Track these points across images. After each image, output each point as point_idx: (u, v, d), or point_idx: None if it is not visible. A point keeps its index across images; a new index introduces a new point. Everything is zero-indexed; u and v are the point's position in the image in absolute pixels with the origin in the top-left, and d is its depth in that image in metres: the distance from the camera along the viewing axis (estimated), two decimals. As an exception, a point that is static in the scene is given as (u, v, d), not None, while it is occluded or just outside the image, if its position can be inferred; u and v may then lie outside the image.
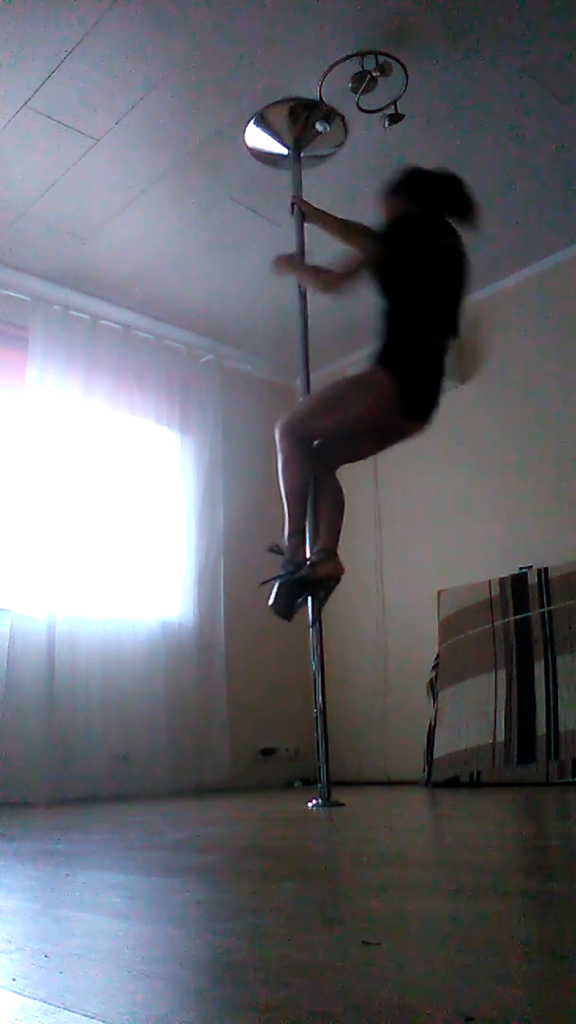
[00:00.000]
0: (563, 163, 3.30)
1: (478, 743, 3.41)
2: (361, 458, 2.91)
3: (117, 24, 2.56)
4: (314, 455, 2.78)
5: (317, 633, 2.84)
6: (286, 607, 2.65)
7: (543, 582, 3.52)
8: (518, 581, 3.62)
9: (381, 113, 2.89)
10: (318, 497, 2.80)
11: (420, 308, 2.55)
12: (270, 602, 2.66)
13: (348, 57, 2.73)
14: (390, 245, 2.57)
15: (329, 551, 2.72)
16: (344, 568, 2.73)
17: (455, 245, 2.61)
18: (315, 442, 2.78)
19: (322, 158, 3.16)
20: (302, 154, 3.10)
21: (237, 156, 3.15)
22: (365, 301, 4.32)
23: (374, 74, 2.76)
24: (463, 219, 2.64)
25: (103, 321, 4.08)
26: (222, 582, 4.16)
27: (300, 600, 2.68)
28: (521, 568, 3.69)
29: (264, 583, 2.71)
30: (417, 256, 2.55)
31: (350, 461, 2.90)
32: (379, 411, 2.59)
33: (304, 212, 3.00)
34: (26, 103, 2.87)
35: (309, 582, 2.67)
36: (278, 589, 2.65)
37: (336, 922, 0.96)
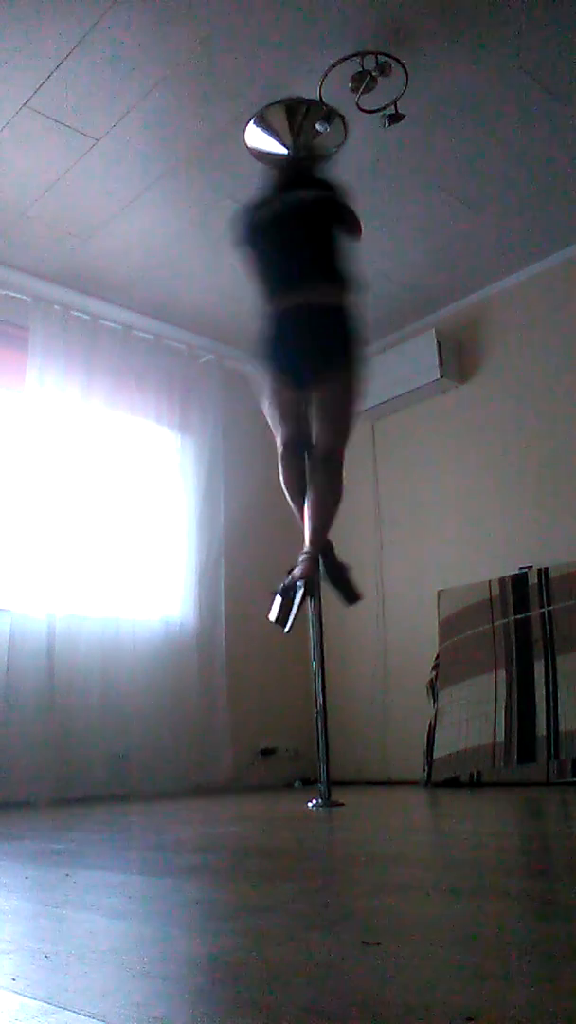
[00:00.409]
0: (563, 163, 3.30)
1: (478, 743, 3.41)
2: (318, 435, 2.83)
3: (117, 24, 2.56)
4: (304, 450, 2.83)
5: (317, 633, 2.84)
6: (281, 616, 2.66)
7: (543, 582, 3.52)
8: (518, 581, 3.62)
9: (381, 113, 2.89)
10: (307, 495, 2.81)
11: (261, 291, 2.73)
12: (271, 615, 2.68)
13: (348, 57, 2.73)
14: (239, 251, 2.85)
15: (307, 553, 2.72)
16: (309, 571, 2.69)
17: (284, 205, 2.75)
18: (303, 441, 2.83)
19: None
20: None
21: (237, 156, 3.15)
22: (364, 303, 4.32)
23: (374, 74, 2.76)
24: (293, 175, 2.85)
25: (103, 321, 4.08)
26: (223, 582, 4.16)
27: (294, 607, 2.68)
28: (521, 568, 3.69)
29: (274, 592, 2.73)
30: (245, 251, 2.80)
31: (319, 440, 2.83)
32: (277, 396, 2.72)
33: None
34: (26, 103, 2.87)
35: (288, 587, 2.68)
36: (277, 598, 2.67)
37: (336, 922, 0.96)
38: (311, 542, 2.73)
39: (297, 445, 2.79)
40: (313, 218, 2.69)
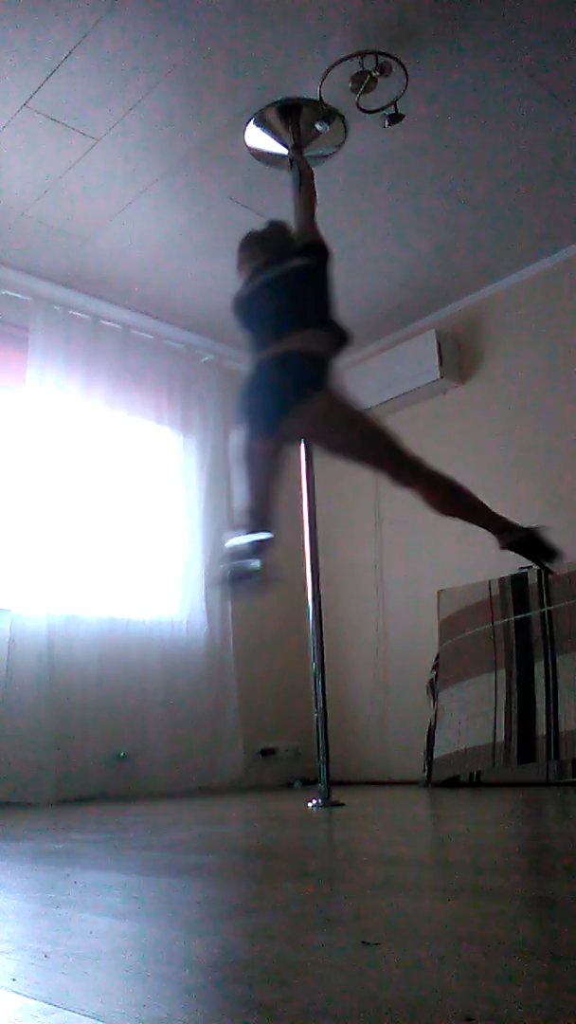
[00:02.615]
0: (563, 163, 3.30)
1: (478, 743, 3.41)
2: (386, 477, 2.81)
3: (117, 24, 2.56)
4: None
5: (317, 633, 2.84)
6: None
7: (543, 582, 3.52)
8: (518, 581, 3.62)
9: (381, 113, 2.89)
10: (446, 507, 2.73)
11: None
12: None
13: (348, 57, 2.73)
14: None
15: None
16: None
17: (263, 275, 2.77)
18: None
19: (322, 158, 3.16)
20: (302, 154, 3.10)
21: (237, 156, 3.15)
22: (364, 303, 4.32)
23: (374, 74, 2.76)
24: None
25: (103, 321, 4.08)
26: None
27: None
28: (521, 568, 3.68)
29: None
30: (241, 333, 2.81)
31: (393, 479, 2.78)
32: (246, 453, 2.65)
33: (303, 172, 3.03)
34: (26, 103, 2.87)
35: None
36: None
37: (336, 922, 0.96)
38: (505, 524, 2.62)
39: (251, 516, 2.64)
40: (282, 286, 2.71)
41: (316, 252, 2.79)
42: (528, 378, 3.96)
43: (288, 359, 2.53)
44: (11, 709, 3.32)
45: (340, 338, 2.65)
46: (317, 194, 3.02)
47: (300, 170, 3.06)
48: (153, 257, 3.81)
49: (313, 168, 3.14)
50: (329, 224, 3.57)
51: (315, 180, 3.10)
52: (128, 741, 3.63)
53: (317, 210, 2.98)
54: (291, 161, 3.09)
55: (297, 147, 3.05)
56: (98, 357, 4.00)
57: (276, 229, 2.91)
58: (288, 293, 2.68)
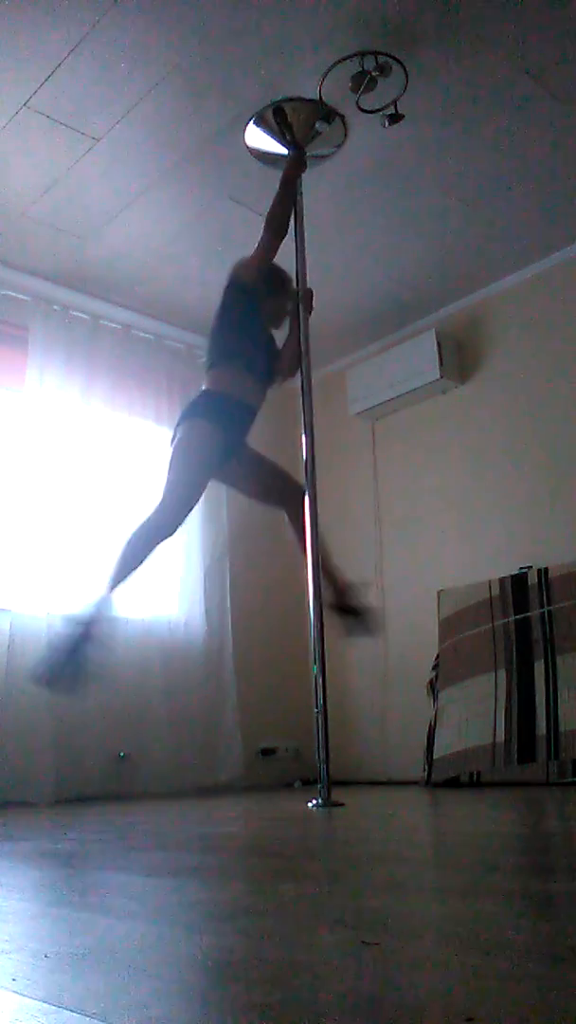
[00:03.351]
0: (563, 163, 3.30)
1: (478, 743, 3.41)
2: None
3: (117, 24, 2.56)
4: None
5: (317, 633, 2.84)
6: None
7: (543, 582, 3.52)
8: (518, 581, 3.62)
9: (381, 113, 2.89)
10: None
11: None
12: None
13: (348, 57, 2.73)
14: None
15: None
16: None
17: None
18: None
19: (322, 158, 3.16)
20: (302, 155, 3.09)
21: (237, 156, 3.15)
22: (364, 303, 4.32)
23: (374, 74, 2.76)
24: None
25: (103, 321, 4.08)
26: (228, 581, 4.16)
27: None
28: (521, 568, 3.69)
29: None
30: None
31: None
32: None
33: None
34: (26, 103, 2.87)
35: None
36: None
37: (336, 922, 0.96)
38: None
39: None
40: (211, 331, 3.04)
41: (234, 288, 2.96)
42: (528, 378, 3.96)
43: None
44: (11, 709, 3.32)
45: (242, 371, 2.90)
46: (289, 206, 2.97)
47: (283, 172, 3.00)
48: (153, 257, 3.81)
49: (314, 168, 3.14)
50: (329, 224, 3.58)
51: (317, 181, 3.10)
52: (128, 741, 3.63)
53: (297, 214, 3.03)
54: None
55: (298, 147, 3.04)
56: (98, 357, 4.00)
57: (230, 270, 3.04)
58: (209, 337, 3.02)
